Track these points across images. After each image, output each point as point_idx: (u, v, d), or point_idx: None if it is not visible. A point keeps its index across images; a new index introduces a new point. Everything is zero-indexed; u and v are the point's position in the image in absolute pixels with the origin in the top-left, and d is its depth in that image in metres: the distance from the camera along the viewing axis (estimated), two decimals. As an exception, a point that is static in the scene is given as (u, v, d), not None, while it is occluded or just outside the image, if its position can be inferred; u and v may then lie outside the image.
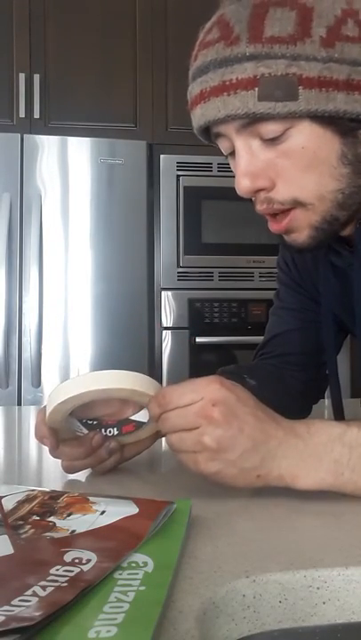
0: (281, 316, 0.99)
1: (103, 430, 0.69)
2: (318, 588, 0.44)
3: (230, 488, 0.59)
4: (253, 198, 0.71)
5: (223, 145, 0.71)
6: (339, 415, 0.91)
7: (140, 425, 0.69)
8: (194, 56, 0.69)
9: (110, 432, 0.70)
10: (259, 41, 0.63)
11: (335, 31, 0.64)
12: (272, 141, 0.66)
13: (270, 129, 0.66)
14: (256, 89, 0.63)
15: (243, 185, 0.68)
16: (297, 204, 0.69)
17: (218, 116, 0.66)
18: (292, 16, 0.63)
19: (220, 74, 0.65)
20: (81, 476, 0.72)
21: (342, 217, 0.71)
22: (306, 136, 0.66)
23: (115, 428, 0.70)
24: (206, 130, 0.71)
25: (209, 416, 0.56)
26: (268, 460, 0.57)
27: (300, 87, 0.63)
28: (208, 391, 0.57)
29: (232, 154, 0.71)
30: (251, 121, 0.66)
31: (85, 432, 0.69)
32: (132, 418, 0.70)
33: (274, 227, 0.72)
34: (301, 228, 0.71)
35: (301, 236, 0.72)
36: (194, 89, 0.69)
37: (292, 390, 0.94)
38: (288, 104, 0.63)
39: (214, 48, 0.66)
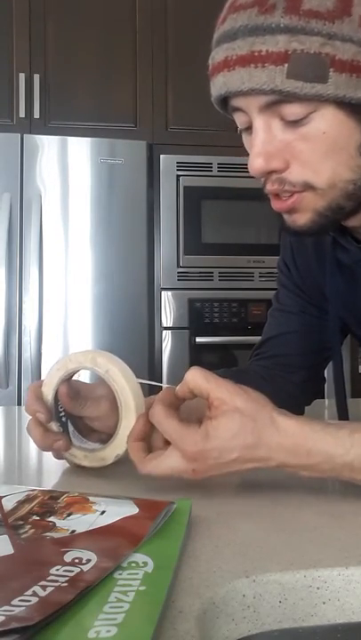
0: (278, 318, 0.99)
1: (65, 422, 0.71)
2: (318, 588, 0.44)
3: (232, 489, 0.59)
4: (263, 178, 0.68)
5: (240, 119, 0.68)
6: (343, 416, 0.91)
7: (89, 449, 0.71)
8: (222, 18, 0.65)
9: (72, 431, 0.72)
10: (296, 13, 0.60)
11: None
12: (293, 123, 0.64)
13: (293, 111, 0.63)
14: (286, 65, 0.60)
15: (256, 165, 0.66)
16: (308, 187, 0.67)
17: (241, 87, 0.62)
18: None
19: (250, 43, 0.61)
20: (81, 476, 0.73)
21: (348, 207, 0.69)
22: (328, 122, 0.63)
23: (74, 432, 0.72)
24: (224, 100, 0.67)
25: (190, 474, 0.58)
26: (266, 468, 0.58)
27: (331, 69, 0.60)
28: (187, 450, 0.57)
29: (247, 129, 0.68)
30: (275, 100, 0.62)
31: (54, 425, 0.71)
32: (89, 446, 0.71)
33: (277, 205, 0.69)
34: (305, 211, 0.69)
35: (303, 219, 0.69)
36: (218, 54, 0.64)
37: (282, 392, 0.93)
38: (316, 86, 0.60)
39: (246, 13, 0.62)
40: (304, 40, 0.60)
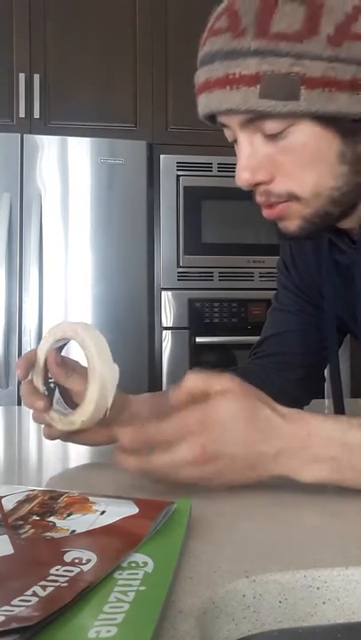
0: (277, 317, 1.00)
1: (52, 389, 0.75)
2: (318, 588, 0.44)
3: (231, 489, 0.59)
4: (251, 190, 0.72)
5: (227, 133, 0.71)
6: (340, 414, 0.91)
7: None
8: (203, 40, 0.69)
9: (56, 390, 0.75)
10: (265, 36, 0.63)
11: (344, 29, 0.63)
12: (273, 137, 0.67)
13: (271, 126, 0.66)
14: (258, 86, 0.63)
15: (242, 178, 0.69)
16: (292, 197, 0.70)
17: (220, 108, 0.66)
18: (301, 11, 0.63)
19: (226, 66, 0.64)
20: (81, 476, 0.73)
21: (336, 212, 0.71)
22: (306, 135, 0.66)
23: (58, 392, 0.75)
24: (212, 116, 0.71)
25: (199, 456, 0.57)
26: (269, 466, 0.58)
27: (302, 87, 0.62)
28: (191, 425, 0.57)
29: (235, 141, 0.71)
30: (252, 117, 0.66)
31: (40, 386, 0.75)
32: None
33: (267, 213, 0.73)
34: (293, 218, 0.72)
35: (292, 226, 0.73)
36: (200, 76, 0.68)
37: (280, 391, 0.94)
38: (289, 103, 0.63)
39: (221, 38, 0.65)
40: (274, 61, 0.62)
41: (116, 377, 0.70)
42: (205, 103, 0.68)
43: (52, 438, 0.77)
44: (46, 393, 0.74)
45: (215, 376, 0.61)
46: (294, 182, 0.69)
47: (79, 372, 0.74)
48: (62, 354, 0.75)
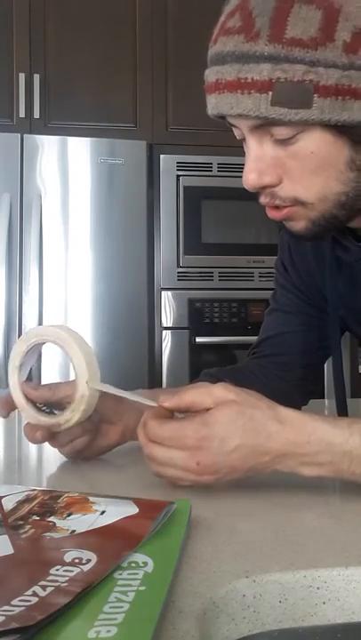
0: (275, 317, 1.00)
1: (47, 410, 0.74)
2: (318, 588, 0.44)
3: (231, 489, 0.59)
4: (257, 192, 0.71)
5: (236, 132, 0.70)
6: (342, 414, 0.91)
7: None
8: (214, 38, 0.67)
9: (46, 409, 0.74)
10: (279, 41, 0.61)
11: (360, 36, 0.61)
12: (283, 141, 0.66)
13: (281, 132, 0.65)
14: (270, 93, 0.62)
15: (249, 181, 0.68)
16: (298, 202, 0.69)
17: (230, 112, 0.65)
18: (317, 16, 0.61)
19: (237, 69, 0.63)
20: (81, 476, 0.72)
21: (342, 216, 0.71)
22: (316, 142, 0.65)
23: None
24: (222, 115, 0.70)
25: (195, 470, 0.58)
26: (267, 469, 0.59)
27: (315, 95, 0.61)
28: (188, 442, 0.58)
29: (245, 139, 0.70)
30: (263, 122, 0.65)
31: (42, 418, 0.73)
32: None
33: (272, 214, 0.72)
34: (299, 220, 0.71)
35: (298, 226, 0.72)
36: (210, 75, 0.67)
37: (277, 391, 0.94)
38: (301, 112, 0.62)
39: (234, 39, 0.63)
40: (287, 68, 0.61)
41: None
42: (215, 104, 0.67)
43: (74, 456, 0.76)
44: (49, 416, 0.73)
45: (210, 388, 0.61)
46: (301, 187, 0.68)
47: (57, 383, 0.75)
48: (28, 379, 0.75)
